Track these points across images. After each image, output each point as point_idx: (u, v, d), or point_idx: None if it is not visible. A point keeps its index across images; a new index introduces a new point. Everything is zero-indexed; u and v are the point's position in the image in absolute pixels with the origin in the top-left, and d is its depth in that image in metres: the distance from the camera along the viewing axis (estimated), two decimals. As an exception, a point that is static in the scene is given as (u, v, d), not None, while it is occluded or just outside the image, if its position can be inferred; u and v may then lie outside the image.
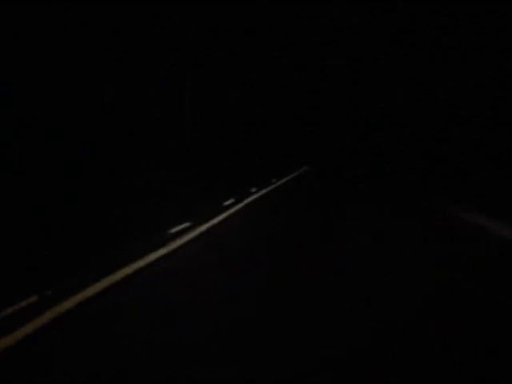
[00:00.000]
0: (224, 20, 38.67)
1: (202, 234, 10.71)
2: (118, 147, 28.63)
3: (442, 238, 11.03)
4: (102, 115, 27.16)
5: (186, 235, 10.23)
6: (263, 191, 19.61)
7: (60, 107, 24.03)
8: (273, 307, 6.08)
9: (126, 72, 29.70)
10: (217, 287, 6.87)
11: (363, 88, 55.96)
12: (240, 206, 15.65)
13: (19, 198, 15.93)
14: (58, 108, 23.89)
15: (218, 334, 5.08)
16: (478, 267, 8.13)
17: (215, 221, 12.51)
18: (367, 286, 6.96)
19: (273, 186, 22.06)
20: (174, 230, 10.69)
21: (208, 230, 11.31)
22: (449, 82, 34.63)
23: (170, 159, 32.49)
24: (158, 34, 31.77)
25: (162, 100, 33.25)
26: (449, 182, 23.90)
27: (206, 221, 12.33)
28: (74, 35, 24.88)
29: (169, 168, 29.71)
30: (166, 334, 5.11)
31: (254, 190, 19.47)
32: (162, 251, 8.64)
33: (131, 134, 29.89)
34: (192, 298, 6.35)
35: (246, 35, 42.95)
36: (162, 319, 5.52)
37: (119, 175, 24.52)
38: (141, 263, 7.93)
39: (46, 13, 22.94)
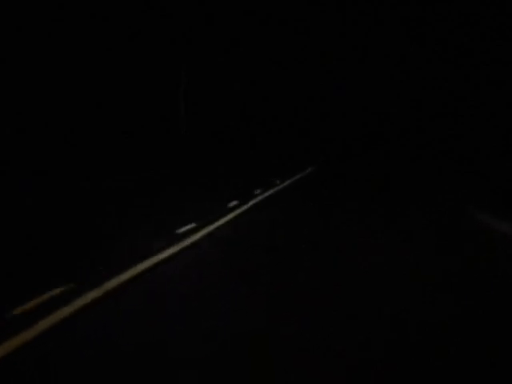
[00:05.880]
0: (223, 14, 38.47)
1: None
2: (116, 146, 28.42)
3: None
4: (97, 113, 26.91)
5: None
6: (253, 202, 19.41)
7: (60, 107, 23.79)
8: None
9: (123, 69, 29.45)
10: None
11: (366, 88, 55.64)
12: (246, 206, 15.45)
13: (5, 199, 15.66)
14: (57, 108, 23.66)
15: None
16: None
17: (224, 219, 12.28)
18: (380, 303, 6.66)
19: (261, 198, 21.83)
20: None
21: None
22: (455, 81, 34.51)
23: (166, 157, 32.27)
24: (155, 26, 31.48)
25: (158, 98, 32.99)
26: (470, 184, 21.96)
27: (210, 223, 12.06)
28: (70, 32, 24.61)
29: (164, 166, 29.50)
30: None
31: (236, 202, 19.29)
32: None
33: (127, 133, 29.66)
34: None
35: (247, 29, 42.80)
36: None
37: (115, 173, 24.32)
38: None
39: (42, 11, 22.68)
